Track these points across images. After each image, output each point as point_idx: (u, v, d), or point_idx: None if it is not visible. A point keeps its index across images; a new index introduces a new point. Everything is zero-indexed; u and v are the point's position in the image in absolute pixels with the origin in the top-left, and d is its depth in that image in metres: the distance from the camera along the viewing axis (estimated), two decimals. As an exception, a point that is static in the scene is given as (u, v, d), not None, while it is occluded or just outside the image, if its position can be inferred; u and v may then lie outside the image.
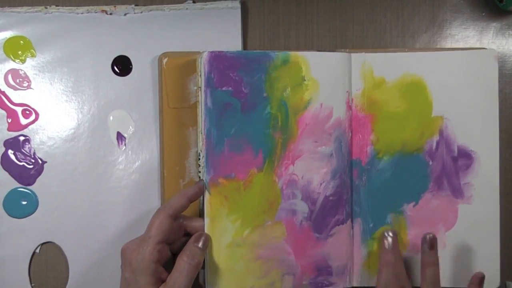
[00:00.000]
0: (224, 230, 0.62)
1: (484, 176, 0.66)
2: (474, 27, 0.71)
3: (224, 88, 0.62)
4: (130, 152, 0.68)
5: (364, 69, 0.65)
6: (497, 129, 0.66)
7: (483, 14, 0.71)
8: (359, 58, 0.65)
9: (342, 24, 0.70)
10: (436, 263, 0.61)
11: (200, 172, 0.63)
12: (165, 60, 0.65)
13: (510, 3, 0.68)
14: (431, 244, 0.61)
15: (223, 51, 0.62)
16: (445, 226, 0.66)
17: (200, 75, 0.62)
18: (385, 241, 0.61)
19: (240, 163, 0.62)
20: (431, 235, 0.61)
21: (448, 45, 0.70)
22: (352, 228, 0.65)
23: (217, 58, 0.62)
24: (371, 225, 0.66)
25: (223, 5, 0.68)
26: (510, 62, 0.70)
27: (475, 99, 0.66)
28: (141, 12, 0.68)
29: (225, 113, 0.62)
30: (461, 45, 0.71)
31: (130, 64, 0.68)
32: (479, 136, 0.66)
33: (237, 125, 0.62)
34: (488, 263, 0.66)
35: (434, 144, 0.65)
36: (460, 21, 0.71)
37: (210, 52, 0.62)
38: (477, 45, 0.71)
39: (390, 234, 0.62)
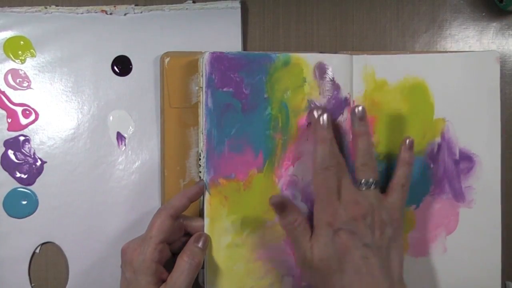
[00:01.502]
0: (224, 231, 0.62)
1: (486, 180, 0.66)
2: (474, 27, 0.71)
3: (225, 89, 0.62)
4: (130, 152, 0.68)
5: (365, 71, 0.65)
6: (499, 132, 0.66)
7: (483, 14, 0.71)
8: (361, 60, 0.65)
9: (342, 24, 0.70)
10: (367, 133, 0.60)
11: (200, 172, 0.63)
12: (167, 60, 0.65)
13: (510, 3, 0.68)
14: (361, 115, 0.61)
15: (224, 52, 0.62)
16: (446, 229, 0.66)
17: (202, 75, 0.62)
18: (320, 119, 0.60)
19: (240, 164, 0.62)
20: (360, 107, 0.61)
21: (448, 45, 0.70)
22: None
23: (218, 59, 0.62)
24: (371, 227, 0.66)
25: (223, 5, 0.68)
26: (510, 62, 0.70)
27: (477, 101, 0.66)
28: (141, 12, 0.68)
29: (225, 113, 0.62)
30: (461, 45, 0.71)
31: (130, 64, 0.68)
32: (481, 139, 0.66)
33: (238, 125, 0.62)
34: (489, 268, 0.66)
35: (436, 146, 0.65)
36: (460, 21, 0.71)
37: (211, 52, 0.62)
38: (477, 45, 0.71)
39: (321, 111, 0.60)
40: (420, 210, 0.66)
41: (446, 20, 0.71)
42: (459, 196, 0.66)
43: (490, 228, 0.66)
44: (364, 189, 0.59)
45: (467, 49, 0.70)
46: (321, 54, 0.63)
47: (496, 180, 0.66)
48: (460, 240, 0.66)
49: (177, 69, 0.65)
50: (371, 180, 0.59)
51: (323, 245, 0.57)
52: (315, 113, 0.61)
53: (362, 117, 0.61)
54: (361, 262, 0.55)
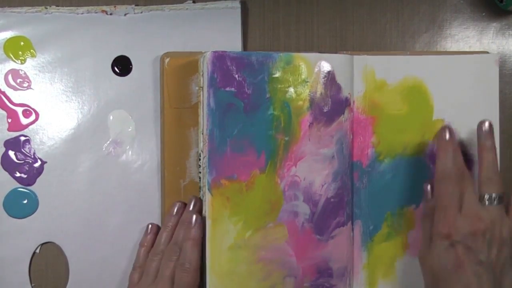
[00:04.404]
0: (226, 232, 0.62)
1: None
2: (474, 27, 0.71)
3: (227, 88, 0.61)
4: (130, 152, 0.67)
5: (366, 72, 0.65)
6: (498, 133, 0.66)
7: (483, 14, 0.71)
8: (361, 60, 0.65)
9: (342, 24, 0.70)
10: (493, 148, 0.60)
11: (200, 172, 0.63)
12: (167, 60, 0.65)
13: (510, 3, 0.68)
14: (488, 130, 0.61)
15: (226, 51, 0.62)
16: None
17: (202, 75, 0.62)
18: (445, 131, 0.60)
19: (242, 164, 0.62)
20: (486, 123, 0.61)
21: (448, 45, 0.71)
22: (352, 230, 0.65)
23: (220, 58, 0.61)
24: (371, 227, 0.66)
25: (223, 5, 0.68)
26: (510, 62, 0.70)
27: (476, 103, 0.66)
28: (141, 12, 0.68)
29: (228, 113, 0.62)
30: (461, 45, 0.71)
31: (130, 64, 0.68)
32: (480, 140, 0.66)
33: (240, 126, 0.62)
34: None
35: (435, 147, 0.65)
36: (460, 21, 0.71)
37: (214, 52, 0.61)
38: (477, 45, 0.71)
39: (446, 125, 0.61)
40: (420, 210, 0.66)
41: (446, 20, 0.71)
42: (459, 196, 0.66)
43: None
44: (487, 204, 0.58)
45: (467, 49, 0.70)
46: (322, 54, 0.63)
47: (496, 180, 0.66)
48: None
49: (177, 69, 0.65)
50: (494, 195, 0.58)
51: (436, 256, 0.57)
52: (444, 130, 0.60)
53: (489, 132, 0.60)
54: (473, 279, 0.55)
